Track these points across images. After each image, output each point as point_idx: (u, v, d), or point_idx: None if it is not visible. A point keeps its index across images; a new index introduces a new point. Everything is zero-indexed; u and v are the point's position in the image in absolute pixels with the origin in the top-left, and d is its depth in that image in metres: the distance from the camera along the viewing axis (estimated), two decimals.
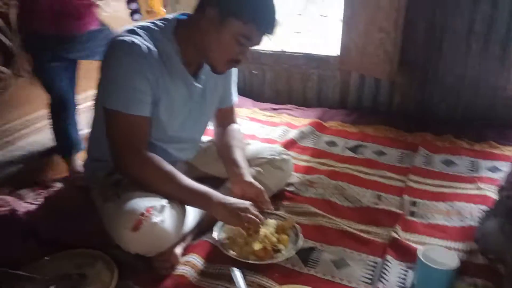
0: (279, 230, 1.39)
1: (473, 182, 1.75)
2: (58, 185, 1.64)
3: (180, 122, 1.40)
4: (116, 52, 1.21)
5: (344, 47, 2.41)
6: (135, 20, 1.94)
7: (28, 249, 1.32)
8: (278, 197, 1.66)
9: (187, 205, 1.31)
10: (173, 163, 1.49)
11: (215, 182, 1.56)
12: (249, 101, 2.67)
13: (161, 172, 1.26)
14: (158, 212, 1.21)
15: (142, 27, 1.26)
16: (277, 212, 1.51)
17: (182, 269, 1.27)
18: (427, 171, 1.85)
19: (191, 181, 1.28)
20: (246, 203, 1.28)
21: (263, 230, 1.33)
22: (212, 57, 1.27)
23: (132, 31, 1.23)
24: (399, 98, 2.50)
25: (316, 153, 2.03)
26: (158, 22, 1.30)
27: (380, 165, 1.93)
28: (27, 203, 1.50)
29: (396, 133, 2.23)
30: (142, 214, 1.17)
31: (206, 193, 1.27)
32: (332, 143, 2.13)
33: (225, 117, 1.59)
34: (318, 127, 2.27)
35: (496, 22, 2.13)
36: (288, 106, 2.62)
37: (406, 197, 1.66)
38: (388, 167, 1.91)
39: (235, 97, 1.60)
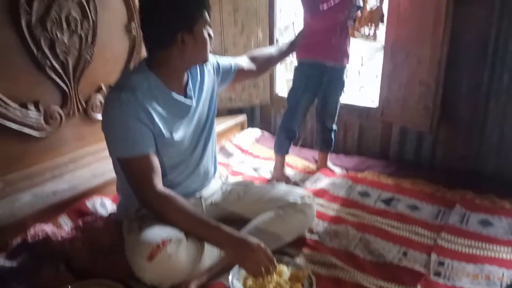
0: (293, 278, 1.39)
1: (509, 245, 1.65)
2: (98, 218, 1.75)
3: (189, 138, 1.54)
4: (107, 110, 1.40)
5: (384, 99, 2.43)
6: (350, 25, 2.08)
7: (57, 277, 1.42)
8: (300, 244, 1.67)
9: (201, 240, 1.38)
10: (192, 196, 1.62)
11: (240, 224, 1.64)
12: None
13: (175, 207, 1.36)
14: (174, 244, 1.29)
15: (123, 77, 1.45)
16: (294, 260, 1.51)
17: None
18: (461, 231, 1.78)
19: (204, 216, 1.37)
20: (260, 243, 1.33)
21: (276, 277, 1.35)
22: (200, 57, 1.46)
23: (117, 85, 1.42)
24: (442, 153, 2.44)
25: (347, 203, 2.02)
26: (134, 69, 1.52)
27: (412, 220, 1.88)
28: (64, 232, 1.62)
29: (435, 188, 2.15)
30: (158, 245, 1.26)
31: (219, 228, 1.34)
32: (365, 194, 2.11)
33: (247, 66, 1.85)
34: (352, 178, 2.26)
35: None
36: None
37: (434, 256, 1.60)
38: (421, 223, 1.86)
39: (229, 59, 1.80)
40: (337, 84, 2.22)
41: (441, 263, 1.57)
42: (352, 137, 2.73)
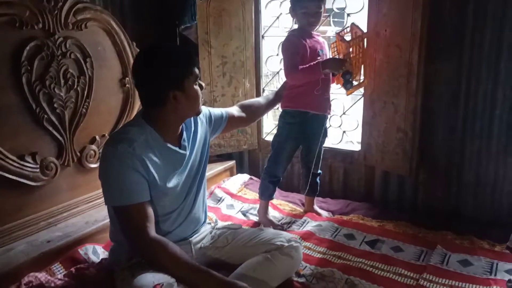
0: None
1: (487, 284, 1.73)
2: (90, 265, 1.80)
3: (181, 187, 1.62)
4: (105, 160, 1.49)
5: (365, 144, 2.55)
6: (347, 89, 2.22)
7: None
8: (288, 286, 1.72)
9: (191, 286, 1.43)
10: (184, 243, 1.67)
11: (228, 269, 1.69)
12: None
13: (168, 254, 1.42)
14: None
15: (123, 130, 1.55)
16: None
17: None
18: (442, 271, 1.85)
19: (195, 263, 1.44)
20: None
21: None
22: (193, 110, 1.58)
23: (115, 137, 1.52)
24: (423, 195, 2.55)
25: (333, 246, 2.08)
26: (130, 121, 1.63)
27: (395, 261, 1.95)
28: (57, 279, 1.67)
29: (417, 230, 2.24)
30: None
31: (209, 274, 1.41)
32: (350, 236, 2.19)
33: (238, 113, 2.01)
34: (338, 221, 2.34)
35: None
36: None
37: None
38: (404, 264, 1.93)
39: (221, 109, 1.95)
40: (320, 132, 2.34)
41: None
42: (338, 180, 2.84)
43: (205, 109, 1.81)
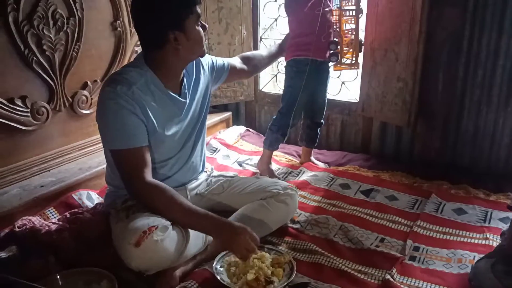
0: (275, 263, 1.46)
1: (481, 232, 1.74)
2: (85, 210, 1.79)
3: (180, 135, 1.60)
4: (102, 101, 1.43)
5: (364, 94, 2.50)
6: (333, 62, 2.18)
7: (46, 267, 1.46)
8: (282, 232, 1.74)
9: (189, 228, 1.43)
10: (180, 189, 1.66)
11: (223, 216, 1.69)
12: None
13: (165, 197, 1.41)
14: (161, 230, 1.34)
15: (122, 71, 1.47)
16: (276, 248, 1.58)
17: None
18: (436, 218, 1.86)
19: (192, 205, 1.43)
20: (245, 227, 1.39)
21: (258, 262, 1.41)
22: (196, 52, 1.52)
23: (114, 78, 1.45)
24: (420, 146, 2.53)
25: (328, 195, 2.09)
26: (131, 63, 1.56)
27: (390, 209, 1.96)
28: (51, 223, 1.66)
29: (413, 180, 2.24)
30: (145, 231, 1.31)
31: (207, 216, 1.40)
32: (346, 186, 2.18)
33: (239, 65, 1.95)
34: (334, 172, 2.33)
35: None
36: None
37: (409, 242, 1.68)
38: (398, 212, 1.94)
39: (223, 58, 1.88)
40: (326, 79, 2.30)
41: (416, 248, 1.65)
42: (335, 132, 2.81)
43: (208, 58, 1.74)
